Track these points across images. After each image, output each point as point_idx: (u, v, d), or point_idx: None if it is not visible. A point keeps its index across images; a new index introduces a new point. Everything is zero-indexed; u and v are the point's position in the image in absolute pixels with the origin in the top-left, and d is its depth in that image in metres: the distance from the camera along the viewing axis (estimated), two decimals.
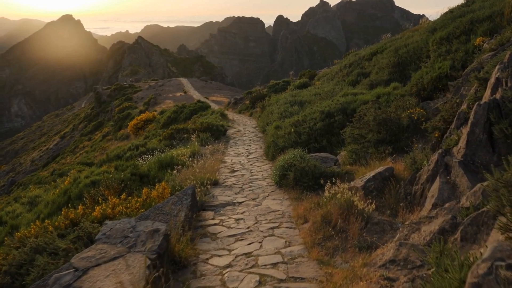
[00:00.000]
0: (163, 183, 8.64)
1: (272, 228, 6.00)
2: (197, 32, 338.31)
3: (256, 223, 6.30)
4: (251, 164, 11.36)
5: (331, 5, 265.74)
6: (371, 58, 19.76)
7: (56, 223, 7.46)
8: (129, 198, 8.26)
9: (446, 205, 4.50)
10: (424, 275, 3.64)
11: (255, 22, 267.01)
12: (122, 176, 10.14)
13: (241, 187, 8.84)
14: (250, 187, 8.84)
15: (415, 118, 8.32)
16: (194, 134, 15.44)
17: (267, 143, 12.77)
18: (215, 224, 6.38)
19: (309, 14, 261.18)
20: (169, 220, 5.07)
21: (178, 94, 55.69)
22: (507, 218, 3.02)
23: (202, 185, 8.42)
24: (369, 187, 6.01)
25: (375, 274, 3.94)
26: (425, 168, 5.49)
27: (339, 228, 5.35)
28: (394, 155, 7.58)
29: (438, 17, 17.88)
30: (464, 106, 5.97)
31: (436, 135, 6.78)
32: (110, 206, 7.52)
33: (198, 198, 7.55)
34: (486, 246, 3.21)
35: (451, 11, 16.81)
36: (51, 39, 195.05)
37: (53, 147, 70.67)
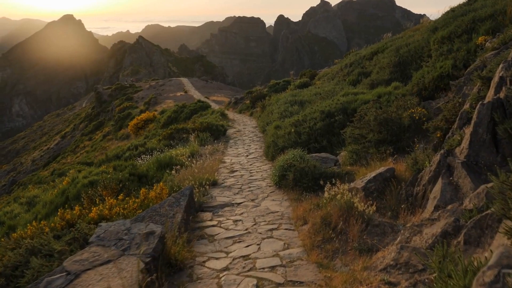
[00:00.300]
0: (161, 183, 8.54)
1: (271, 229, 5.89)
2: (198, 32, 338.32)
3: (254, 224, 6.19)
4: (250, 164, 11.25)
5: (332, 5, 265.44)
6: (372, 58, 19.64)
7: (52, 224, 7.35)
8: (126, 198, 8.15)
9: (449, 207, 4.38)
10: (426, 280, 3.53)
11: (256, 22, 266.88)
12: (120, 176, 10.04)
13: (240, 188, 8.74)
14: (249, 187, 8.73)
15: (417, 118, 8.20)
16: (193, 134, 15.34)
17: (267, 143, 12.67)
18: (213, 226, 6.27)
19: (310, 13, 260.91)
20: (165, 222, 4.96)
21: (178, 94, 55.63)
22: None
23: (200, 185, 8.32)
24: (370, 188, 5.90)
25: (376, 278, 3.83)
26: (426, 169, 5.37)
27: (339, 230, 5.24)
28: (395, 156, 7.46)
29: (439, 16, 17.76)
30: (466, 106, 5.85)
31: (438, 135, 6.66)
32: (107, 207, 7.41)
33: (196, 199, 7.45)
34: (491, 251, 3.10)
35: (452, 10, 16.67)
36: (52, 39, 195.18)
37: (54, 147, 70.72)
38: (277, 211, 6.78)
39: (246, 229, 5.97)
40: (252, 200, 7.72)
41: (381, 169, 6.26)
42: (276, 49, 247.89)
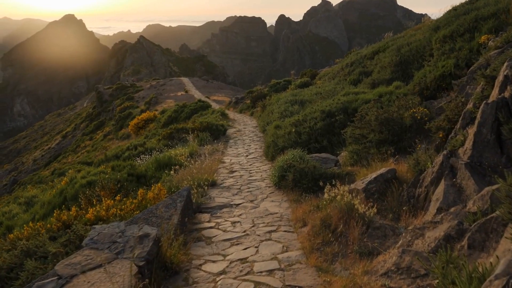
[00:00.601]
0: (159, 184, 8.43)
1: (270, 231, 5.77)
2: (199, 31, 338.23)
3: (253, 226, 6.08)
4: (250, 165, 11.14)
5: (333, 5, 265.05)
6: (373, 57, 19.51)
7: (48, 225, 7.25)
8: (124, 199, 8.05)
9: (452, 209, 4.26)
10: (428, 285, 3.41)
11: (257, 22, 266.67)
12: (118, 176, 9.93)
13: (239, 188, 8.62)
14: (249, 188, 8.62)
15: (418, 117, 8.08)
16: (192, 134, 15.22)
17: (267, 143, 12.55)
18: (210, 227, 6.16)
19: (311, 13, 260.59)
20: (161, 224, 4.85)
21: (179, 94, 55.55)
22: None
23: (199, 186, 8.21)
24: (371, 190, 5.78)
25: (377, 283, 3.72)
26: (429, 170, 5.25)
27: (339, 232, 5.12)
28: (397, 156, 7.34)
29: (441, 15, 17.61)
30: (470, 105, 5.73)
31: (440, 135, 6.53)
32: (104, 208, 7.31)
33: (194, 200, 7.34)
34: (497, 257, 2.97)
35: (454, 9, 16.52)
36: (54, 39, 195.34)
37: (55, 147, 70.75)
38: (276, 213, 6.66)
39: (245, 231, 5.86)
40: (251, 201, 7.60)
41: (382, 170, 6.13)
42: (277, 49, 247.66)
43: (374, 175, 6.05)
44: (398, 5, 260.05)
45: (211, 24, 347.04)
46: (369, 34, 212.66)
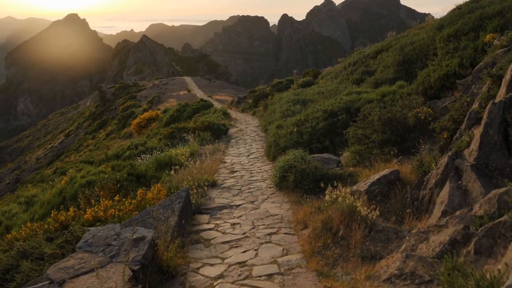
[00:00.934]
0: (158, 184, 8.32)
1: (270, 234, 5.65)
2: (201, 31, 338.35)
3: (253, 228, 5.95)
4: (251, 165, 11.01)
5: (336, 4, 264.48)
6: (376, 56, 19.32)
7: (45, 226, 7.15)
8: (123, 199, 7.94)
9: (457, 212, 4.12)
10: None
11: (260, 21, 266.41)
12: (118, 176, 9.83)
13: (240, 189, 8.50)
14: (249, 188, 8.49)
15: (422, 117, 7.93)
16: (193, 134, 15.10)
17: (268, 143, 12.42)
18: (209, 229, 6.04)
19: (314, 13, 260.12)
20: (157, 226, 4.73)
21: (181, 93, 55.49)
22: None
23: (199, 186, 8.09)
24: (373, 191, 5.64)
25: None
26: (433, 171, 5.10)
27: (340, 235, 4.99)
28: (400, 157, 7.19)
29: (445, 14, 17.41)
30: (475, 105, 5.58)
31: (445, 135, 6.39)
32: (102, 208, 7.21)
33: (194, 201, 7.23)
34: (506, 264, 2.84)
35: (459, 7, 16.31)
36: (57, 38, 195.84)
37: (58, 145, 70.90)
38: (277, 214, 6.54)
39: (244, 233, 5.74)
40: (252, 202, 7.48)
41: (385, 171, 6.00)
42: (279, 48, 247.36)
43: (377, 176, 5.91)
44: (401, 4, 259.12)
45: (214, 23, 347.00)
46: (372, 33, 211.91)
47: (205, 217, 6.65)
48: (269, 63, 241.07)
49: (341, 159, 8.86)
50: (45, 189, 14.14)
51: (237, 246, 5.27)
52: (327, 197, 5.75)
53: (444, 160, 4.94)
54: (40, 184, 21.12)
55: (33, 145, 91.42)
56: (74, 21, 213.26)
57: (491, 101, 4.52)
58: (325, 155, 9.19)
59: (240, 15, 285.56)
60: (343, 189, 5.61)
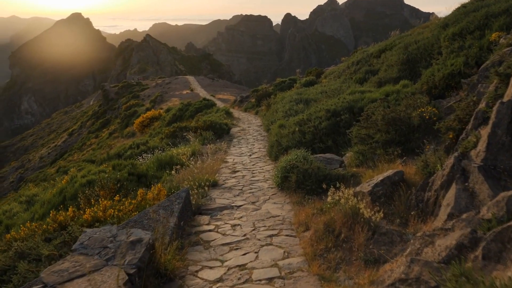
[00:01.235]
0: (159, 184, 8.22)
1: (271, 236, 5.53)
2: (204, 30, 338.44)
3: (253, 230, 5.84)
4: (253, 165, 10.90)
5: (339, 3, 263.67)
6: (380, 55, 19.15)
7: (44, 226, 7.06)
8: (123, 199, 7.85)
9: (464, 215, 3.99)
10: None
11: (263, 20, 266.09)
12: (118, 176, 9.74)
13: (241, 189, 8.39)
14: (251, 189, 8.38)
15: (427, 117, 7.78)
16: (195, 133, 15.00)
17: (271, 142, 12.30)
18: (209, 230, 5.93)
19: (317, 12, 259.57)
20: (155, 228, 4.62)
21: (184, 92, 55.45)
22: None
23: (200, 186, 7.98)
24: (377, 193, 5.50)
25: None
26: (439, 173, 4.96)
27: (343, 238, 4.87)
28: (404, 157, 7.05)
29: (450, 13, 17.21)
30: (482, 105, 5.43)
31: (451, 136, 6.24)
32: (101, 208, 7.11)
33: (194, 201, 7.12)
34: None
35: (464, 6, 16.11)
36: (61, 38, 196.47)
37: (61, 144, 71.11)
38: (278, 215, 6.42)
39: (245, 235, 5.62)
40: (253, 202, 7.36)
41: (389, 172, 5.86)
42: (283, 48, 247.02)
43: (380, 177, 5.78)
44: (405, 3, 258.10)
45: (217, 22, 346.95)
46: (375, 33, 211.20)
47: (205, 218, 6.54)
48: (272, 63, 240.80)
49: (344, 159, 8.72)
50: (46, 188, 14.09)
51: (237, 248, 5.16)
52: (329, 198, 5.62)
53: (450, 161, 4.80)
54: (42, 183, 21.10)
55: (37, 144, 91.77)
56: (77, 20, 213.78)
57: (499, 101, 4.38)
58: (328, 155, 9.06)
59: (243, 14, 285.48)
60: (346, 190, 5.49)
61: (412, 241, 4.22)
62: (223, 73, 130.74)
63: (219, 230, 5.95)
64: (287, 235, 5.52)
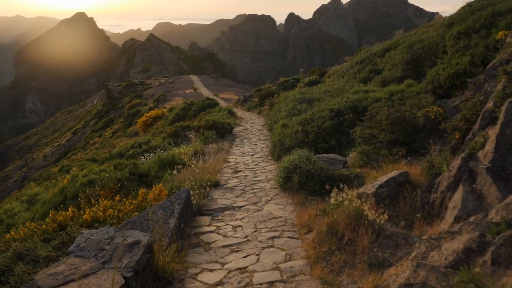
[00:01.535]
0: (160, 184, 8.13)
1: (272, 237, 5.42)
2: (208, 29, 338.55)
3: (255, 231, 5.73)
4: (255, 164, 10.79)
5: (343, 3, 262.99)
6: (384, 55, 18.98)
7: (43, 226, 6.99)
8: (123, 199, 7.76)
9: (472, 218, 3.86)
10: None
11: (266, 20, 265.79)
12: (119, 175, 9.66)
13: (243, 190, 8.28)
14: (253, 189, 8.27)
15: (432, 117, 7.64)
16: (197, 132, 14.90)
17: (273, 142, 12.19)
18: (210, 232, 5.83)
19: (321, 11, 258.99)
20: (154, 230, 4.52)
21: (188, 91, 55.42)
22: None
23: (201, 186, 7.88)
24: (381, 194, 5.38)
25: None
26: (445, 174, 4.83)
27: (346, 240, 4.75)
28: (409, 158, 6.91)
29: (455, 11, 17.01)
30: (490, 104, 5.30)
31: (457, 136, 6.11)
32: (101, 208, 7.03)
33: (195, 202, 7.02)
34: None
35: (469, 4, 15.92)
36: (65, 37, 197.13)
37: (65, 143, 71.27)
38: (280, 217, 6.31)
39: (246, 237, 5.51)
40: (255, 203, 7.26)
41: (394, 173, 5.73)
42: (286, 47, 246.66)
43: (385, 178, 5.65)
44: (408, 3, 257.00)
45: (220, 22, 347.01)
46: (379, 32, 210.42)
47: (206, 219, 6.44)
48: (275, 62, 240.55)
49: (348, 160, 8.60)
50: (48, 187, 14.05)
51: (238, 251, 5.05)
52: (332, 199, 5.50)
53: (457, 162, 4.67)
54: (44, 182, 21.09)
55: (41, 142, 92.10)
56: (81, 19, 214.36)
57: (508, 100, 4.25)
58: (331, 155, 8.93)
59: (247, 14, 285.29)
60: (350, 191, 5.37)
61: (417, 244, 4.10)
62: (226, 72, 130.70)
63: (220, 231, 5.84)
64: (289, 237, 5.40)
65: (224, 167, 10.53)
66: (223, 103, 35.31)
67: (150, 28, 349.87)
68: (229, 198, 7.67)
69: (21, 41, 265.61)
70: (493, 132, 4.49)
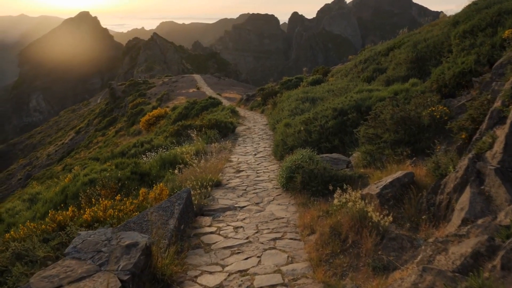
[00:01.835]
0: (161, 184, 8.04)
1: (274, 239, 5.31)
2: (211, 29, 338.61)
3: (256, 232, 5.62)
4: (258, 164, 10.68)
5: (347, 2, 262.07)
6: (388, 54, 18.82)
7: (43, 226, 6.91)
8: (124, 199, 7.68)
9: (480, 221, 3.74)
10: None
11: (270, 19, 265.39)
12: (120, 174, 9.58)
13: (245, 190, 8.18)
14: (255, 189, 8.16)
15: (437, 116, 7.50)
16: (200, 132, 14.81)
17: (276, 141, 12.08)
18: (211, 233, 5.73)
19: (325, 10, 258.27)
20: (152, 231, 4.42)
21: (191, 90, 55.37)
22: None
23: (202, 186, 7.78)
24: (386, 195, 5.26)
25: None
26: (452, 175, 4.71)
27: (350, 242, 4.64)
28: (414, 158, 6.78)
29: (460, 10, 16.82)
30: (498, 103, 5.16)
31: (463, 136, 5.98)
32: (101, 208, 6.94)
33: (196, 202, 6.93)
34: None
35: (475, 3, 15.73)
36: (69, 36, 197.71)
37: (68, 142, 71.42)
38: (283, 217, 6.20)
39: (247, 238, 5.41)
40: (257, 203, 7.15)
41: (399, 174, 5.61)
42: (290, 47, 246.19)
43: (389, 179, 5.53)
44: (413, 2, 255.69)
45: (224, 21, 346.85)
46: (383, 32, 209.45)
47: (207, 220, 6.34)
48: (279, 61, 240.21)
49: (351, 160, 8.47)
50: (50, 186, 14.00)
51: (239, 252, 4.95)
52: (335, 200, 5.39)
53: (464, 162, 4.54)
54: (47, 181, 21.08)
55: (45, 141, 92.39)
56: (85, 19, 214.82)
57: None
58: (335, 155, 8.81)
59: (250, 13, 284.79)
60: (353, 192, 5.25)
61: (423, 247, 3.98)
62: (229, 71, 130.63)
63: (221, 232, 5.74)
64: (291, 239, 5.29)
65: (226, 167, 10.43)
66: (226, 102, 35.22)
67: (154, 27, 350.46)
68: (231, 198, 7.57)
69: (25, 40, 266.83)
70: (501, 132, 4.36)
